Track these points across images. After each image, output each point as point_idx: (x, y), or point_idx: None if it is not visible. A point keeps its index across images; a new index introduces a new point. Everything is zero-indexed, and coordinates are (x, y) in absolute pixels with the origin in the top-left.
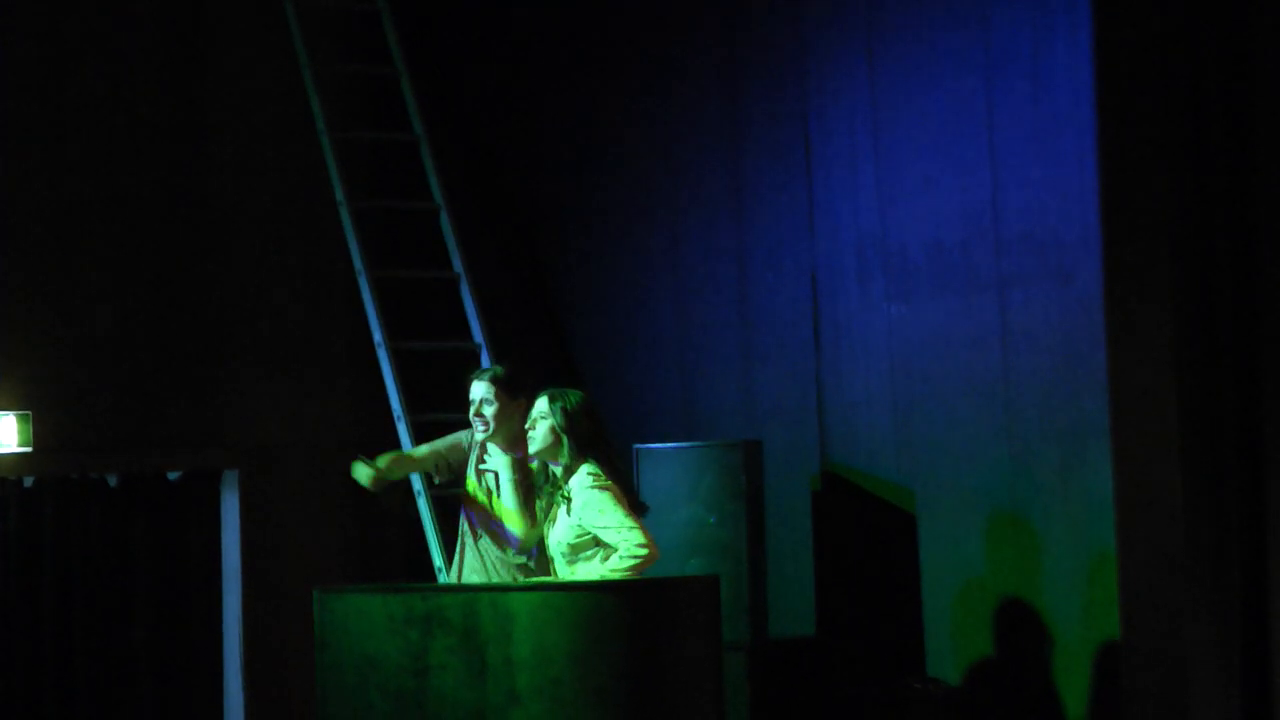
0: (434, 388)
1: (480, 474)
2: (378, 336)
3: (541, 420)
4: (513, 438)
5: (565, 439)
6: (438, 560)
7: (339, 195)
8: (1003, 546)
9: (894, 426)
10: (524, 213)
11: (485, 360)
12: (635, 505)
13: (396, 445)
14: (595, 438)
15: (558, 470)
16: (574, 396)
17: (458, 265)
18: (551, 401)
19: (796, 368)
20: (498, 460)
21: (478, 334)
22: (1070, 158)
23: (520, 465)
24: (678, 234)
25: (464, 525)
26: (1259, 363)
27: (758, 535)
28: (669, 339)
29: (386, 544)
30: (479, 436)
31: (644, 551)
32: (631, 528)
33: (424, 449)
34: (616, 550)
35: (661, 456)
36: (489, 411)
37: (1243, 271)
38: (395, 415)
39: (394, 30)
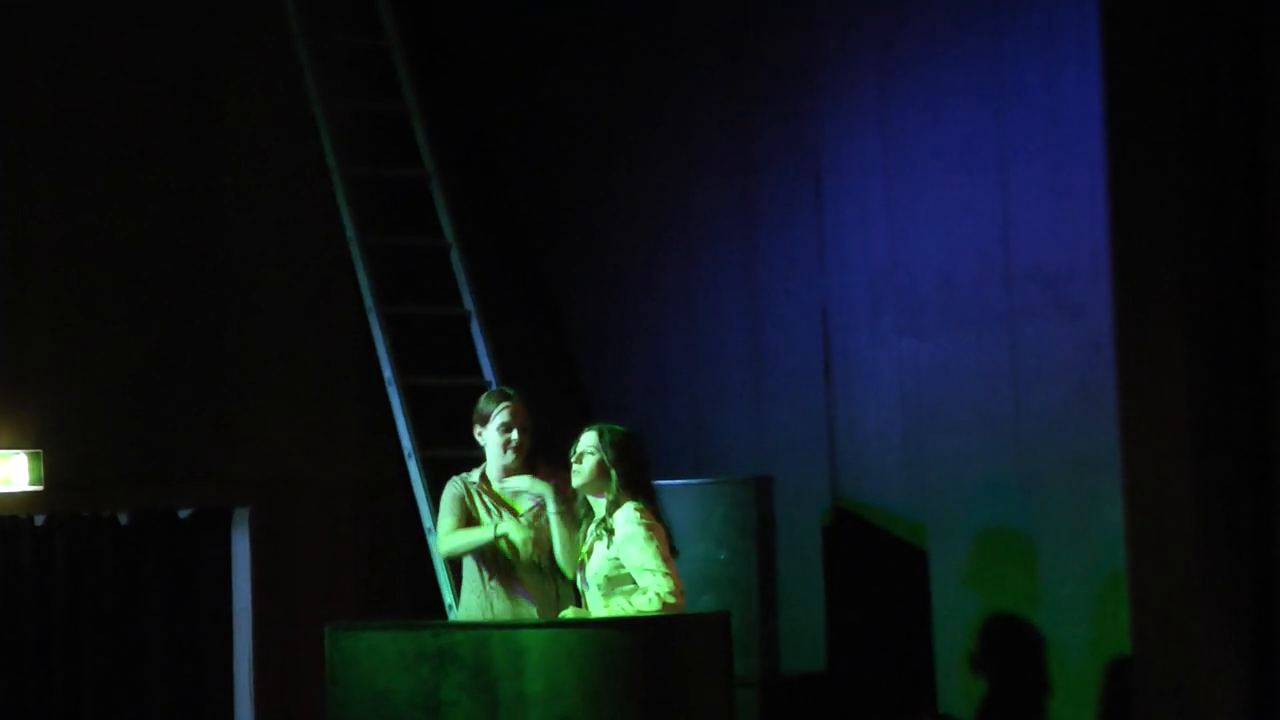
0: (445, 425)
1: (501, 505)
2: (388, 373)
3: (589, 455)
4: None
5: (614, 472)
6: (448, 597)
7: (349, 231)
8: (1014, 581)
9: (905, 461)
10: (534, 249)
11: None
12: (672, 550)
13: (407, 482)
14: (642, 474)
15: (599, 504)
16: (620, 431)
17: (468, 302)
18: (600, 437)
19: (807, 402)
20: (539, 487)
21: (488, 371)
22: (1081, 192)
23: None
24: (688, 269)
25: (475, 567)
26: (1271, 394)
27: (769, 571)
28: (679, 374)
29: (396, 581)
30: (509, 460)
31: (672, 600)
32: (666, 575)
33: (485, 533)
34: (644, 591)
35: (672, 492)
36: (526, 439)
37: (1255, 304)
38: (406, 452)
39: (404, 66)
